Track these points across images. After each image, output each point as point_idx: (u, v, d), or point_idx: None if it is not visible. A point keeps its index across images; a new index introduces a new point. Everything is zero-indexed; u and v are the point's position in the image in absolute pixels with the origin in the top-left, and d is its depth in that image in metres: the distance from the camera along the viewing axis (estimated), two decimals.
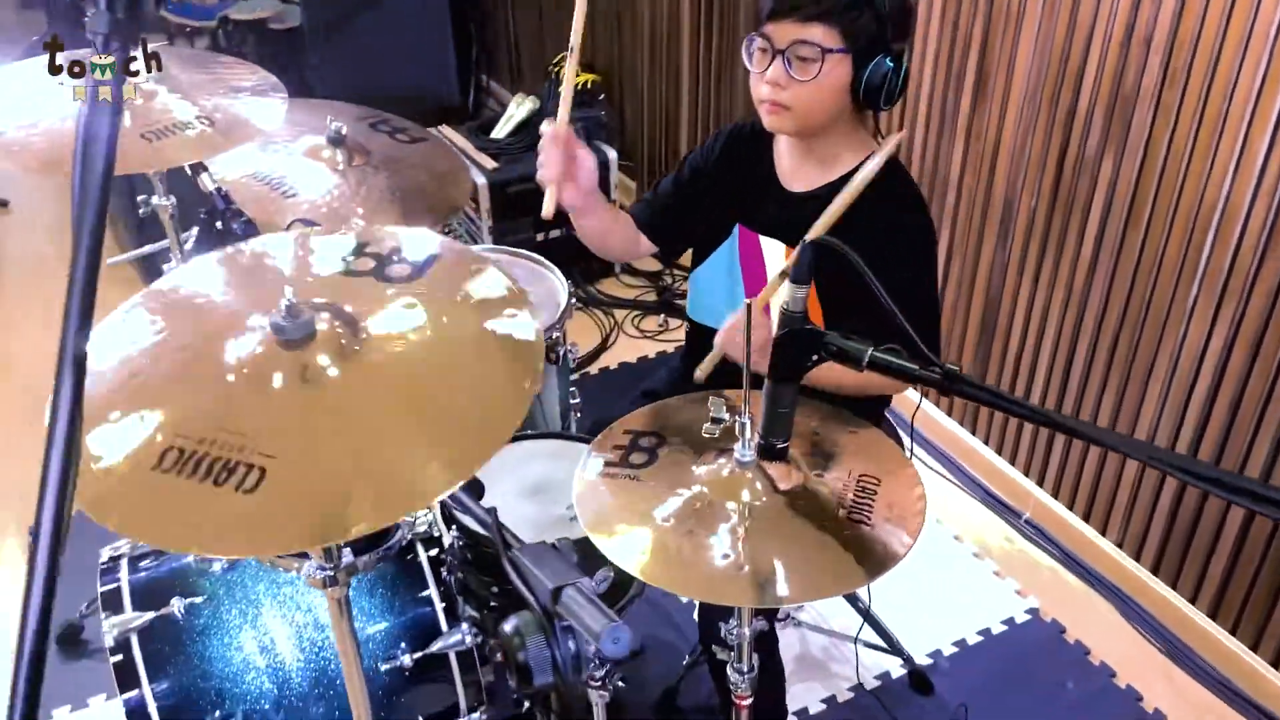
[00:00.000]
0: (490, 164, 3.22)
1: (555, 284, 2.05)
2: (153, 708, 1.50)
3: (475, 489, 1.52)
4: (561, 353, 1.98)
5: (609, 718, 1.60)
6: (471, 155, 3.27)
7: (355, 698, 1.27)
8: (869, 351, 0.98)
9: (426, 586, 1.65)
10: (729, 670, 1.40)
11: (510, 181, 3.18)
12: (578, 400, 2.11)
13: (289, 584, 1.61)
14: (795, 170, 1.60)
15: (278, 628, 1.59)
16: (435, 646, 1.62)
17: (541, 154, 1.54)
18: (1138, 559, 2.28)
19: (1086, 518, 2.39)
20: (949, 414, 2.72)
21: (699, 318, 1.75)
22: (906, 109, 2.56)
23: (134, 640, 1.53)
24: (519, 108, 3.38)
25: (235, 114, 1.68)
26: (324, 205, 1.90)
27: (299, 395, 0.96)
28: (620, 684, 1.71)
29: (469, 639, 1.62)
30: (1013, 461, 2.56)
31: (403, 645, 1.63)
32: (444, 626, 1.64)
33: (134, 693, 1.50)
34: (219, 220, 1.66)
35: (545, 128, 1.52)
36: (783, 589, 1.16)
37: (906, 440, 1.81)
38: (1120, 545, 2.31)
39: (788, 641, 2.18)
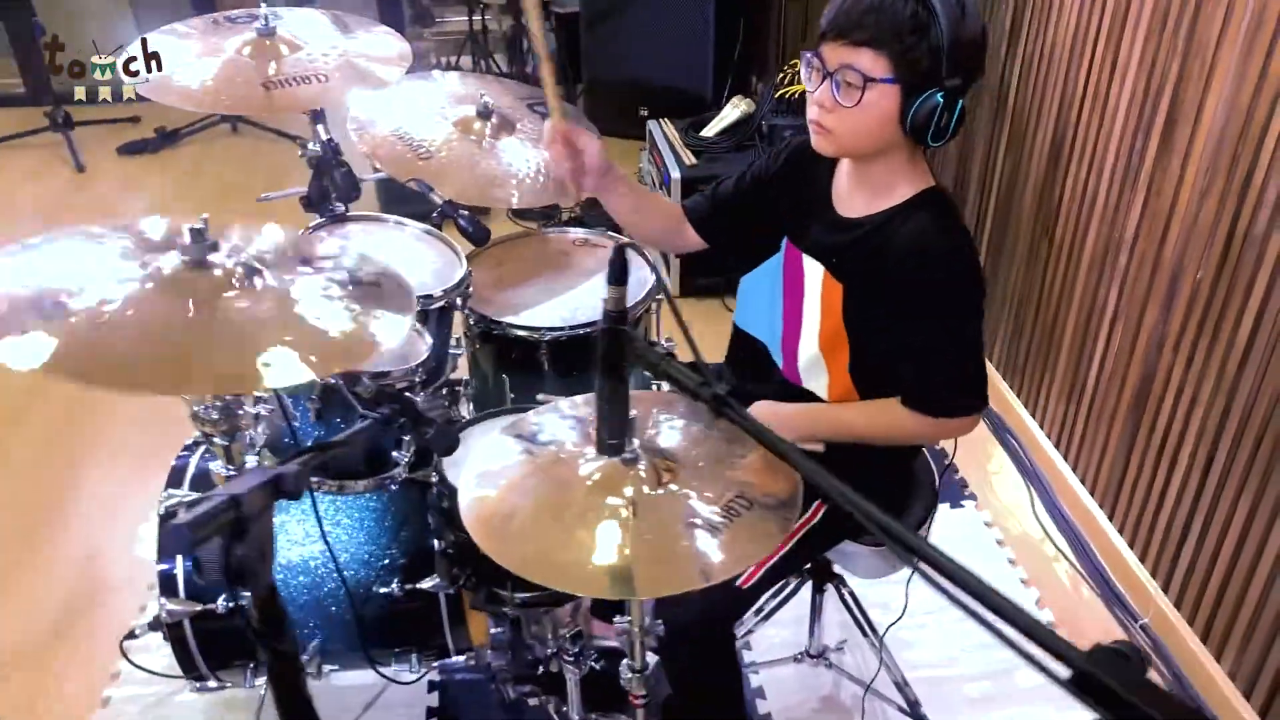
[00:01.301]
0: (690, 160, 3.29)
1: (644, 277, 2.09)
2: (180, 578, 1.74)
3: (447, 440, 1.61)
4: None
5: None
6: (676, 149, 3.36)
7: None
8: (661, 363, 0.97)
9: (429, 525, 1.77)
10: (622, 665, 1.41)
11: (703, 180, 3.23)
12: None
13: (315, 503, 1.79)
14: (849, 194, 1.56)
15: (296, 534, 1.78)
16: (424, 584, 1.75)
17: (548, 153, 1.59)
18: (1248, 698, 1.98)
19: (1204, 639, 2.09)
20: (1091, 493, 2.47)
21: (744, 325, 1.74)
22: (1096, 155, 2.35)
23: (180, 513, 1.77)
24: (734, 109, 3.42)
25: (348, 76, 1.86)
26: (453, 171, 2.04)
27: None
28: (595, 666, 1.77)
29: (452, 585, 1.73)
30: (1143, 558, 2.28)
31: (399, 576, 1.77)
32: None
33: (166, 563, 1.74)
34: (323, 168, 1.87)
35: (546, 126, 1.57)
36: (629, 584, 1.17)
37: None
38: (1233, 678, 2.01)
39: (819, 682, 2.11)
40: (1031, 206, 2.66)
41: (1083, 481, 2.51)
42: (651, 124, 3.60)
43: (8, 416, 2.85)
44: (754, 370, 1.70)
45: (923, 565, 0.77)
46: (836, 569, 1.89)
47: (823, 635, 2.07)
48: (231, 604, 1.72)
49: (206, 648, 1.76)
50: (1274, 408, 1.85)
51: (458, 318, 1.98)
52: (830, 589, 1.94)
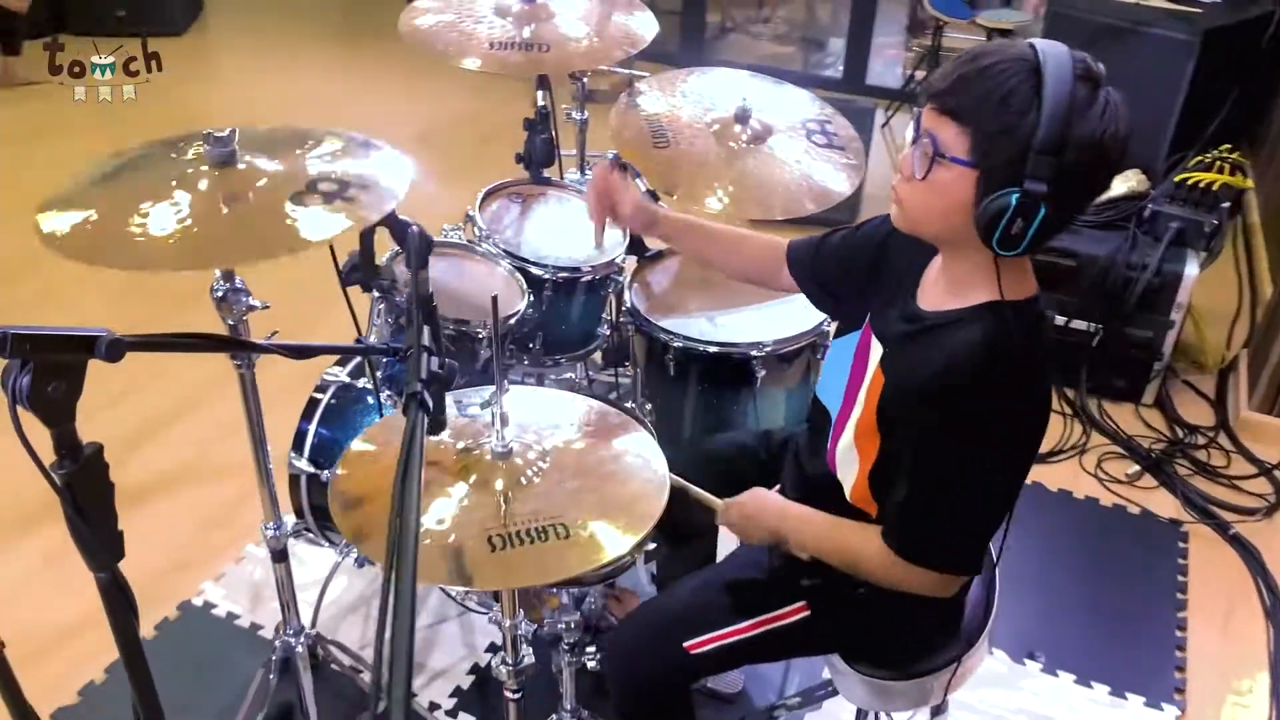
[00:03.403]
0: None
1: None
2: (309, 438, 2.01)
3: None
4: None
5: None
6: None
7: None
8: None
9: None
10: (496, 658, 1.41)
11: (1042, 249, 2.85)
12: None
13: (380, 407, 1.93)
14: (931, 283, 1.36)
15: None
16: None
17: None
18: None
19: None
20: None
21: (819, 393, 1.57)
22: None
23: (330, 389, 2.04)
24: (1122, 182, 2.97)
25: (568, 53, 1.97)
26: (679, 164, 2.04)
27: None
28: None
29: None
30: None
31: None
32: None
33: (306, 423, 2.02)
34: (532, 131, 2.01)
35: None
36: (462, 573, 1.18)
37: None
38: None
39: None
40: None
41: None
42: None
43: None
44: (816, 442, 1.53)
45: None
46: None
47: None
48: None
49: (312, 505, 2.03)
50: None
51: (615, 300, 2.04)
52: None
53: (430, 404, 0.92)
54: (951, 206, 1.20)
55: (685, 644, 1.48)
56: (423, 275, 0.99)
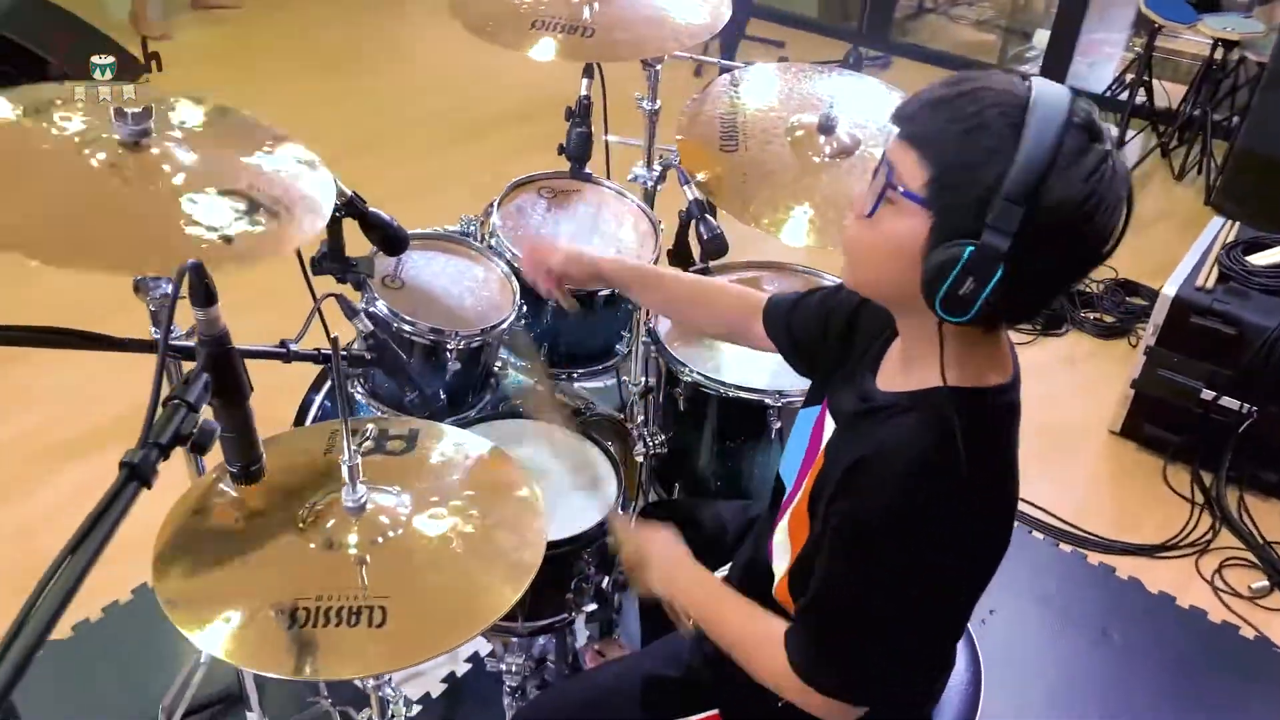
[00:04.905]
0: (1205, 280, 2.50)
1: None
2: (314, 410, 1.92)
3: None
4: None
5: None
6: (1204, 259, 2.58)
7: None
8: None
9: None
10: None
11: (1198, 310, 2.45)
12: None
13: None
14: (894, 359, 1.14)
15: None
16: None
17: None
18: None
19: None
20: None
21: (781, 471, 1.36)
22: None
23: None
24: None
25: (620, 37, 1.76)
26: (743, 172, 1.82)
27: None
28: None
29: None
30: None
31: None
32: None
33: (313, 394, 1.93)
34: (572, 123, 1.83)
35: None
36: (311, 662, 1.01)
37: None
38: None
39: None
40: None
41: None
42: (1216, 220, 2.80)
43: None
44: (769, 524, 1.32)
45: None
46: None
47: None
48: None
49: None
50: None
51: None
52: None
53: (149, 478, 0.79)
54: (898, 254, 0.97)
55: None
56: (209, 314, 0.86)
